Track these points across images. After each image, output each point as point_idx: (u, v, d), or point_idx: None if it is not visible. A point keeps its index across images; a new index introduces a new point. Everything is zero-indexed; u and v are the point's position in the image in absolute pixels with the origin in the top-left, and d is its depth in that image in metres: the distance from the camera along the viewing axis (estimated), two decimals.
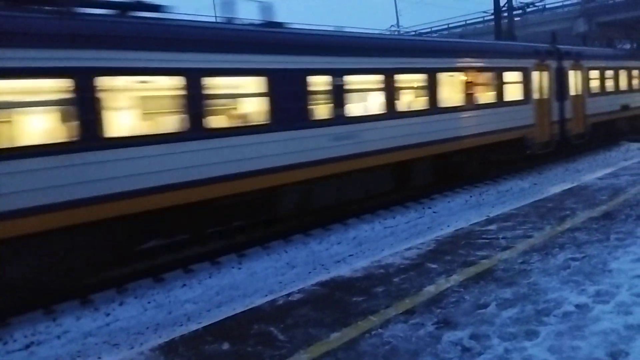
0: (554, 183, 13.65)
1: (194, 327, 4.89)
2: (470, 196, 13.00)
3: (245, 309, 5.12)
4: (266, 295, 6.76)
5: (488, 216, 8.46)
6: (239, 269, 8.34)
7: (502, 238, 6.85)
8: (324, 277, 5.98)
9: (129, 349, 5.90)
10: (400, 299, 5.02)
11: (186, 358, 4.09)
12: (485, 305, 4.69)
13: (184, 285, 7.75)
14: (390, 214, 11.44)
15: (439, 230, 9.31)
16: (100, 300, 7.29)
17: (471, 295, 4.97)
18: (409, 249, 6.72)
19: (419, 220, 10.96)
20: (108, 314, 6.88)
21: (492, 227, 7.48)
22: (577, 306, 4.54)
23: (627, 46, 31.28)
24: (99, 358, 5.77)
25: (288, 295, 5.30)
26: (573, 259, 5.77)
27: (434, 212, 11.59)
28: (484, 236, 7.01)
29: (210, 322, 4.85)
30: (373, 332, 4.33)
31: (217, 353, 4.14)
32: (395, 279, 5.58)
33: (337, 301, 5.07)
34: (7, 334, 6.31)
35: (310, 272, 8.01)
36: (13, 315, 6.69)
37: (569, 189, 10.07)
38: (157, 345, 4.41)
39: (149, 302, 7.22)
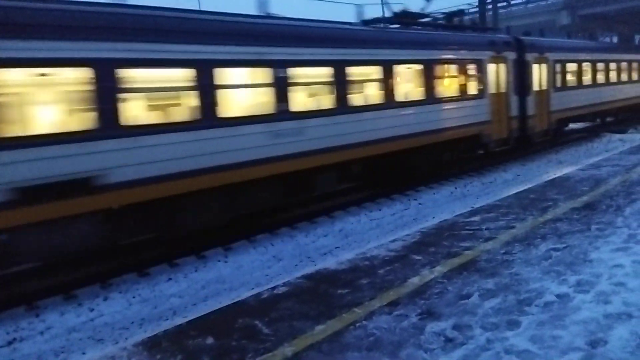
0: (537, 174, 13.83)
1: (179, 321, 4.86)
2: (455, 188, 13.11)
3: (231, 302, 5.10)
4: (252, 289, 6.75)
5: (472, 207, 8.54)
6: (225, 262, 8.31)
7: (486, 229, 6.92)
8: (309, 269, 5.98)
9: (114, 344, 5.86)
10: (385, 290, 5.05)
11: (169, 353, 4.07)
12: (468, 296, 4.75)
13: (170, 279, 7.70)
14: (376, 206, 11.49)
15: (424, 221, 9.39)
16: (84, 295, 7.21)
17: (454, 286, 5.02)
18: (394, 240, 6.75)
19: (404, 212, 11.03)
20: (92, 309, 6.82)
21: (476, 218, 7.56)
22: (558, 296, 4.61)
23: (609, 39, 31.62)
24: (84, 353, 5.73)
25: (273, 288, 5.30)
26: (554, 249, 5.86)
27: (420, 204, 11.67)
28: (467, 227, 7.08)
29: (195, 317, 4.83)
30: (357, 324, 4.35)
31: (201, 348, 4.12)
32: (380, 271, 5.61)
33: (322, 294, 5.08)
34: None
35: (296, 265, 8.02)
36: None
37: (552, 180, 10.20)
38: (141, 340, 4.38)
39: (133, 297, 7.17)
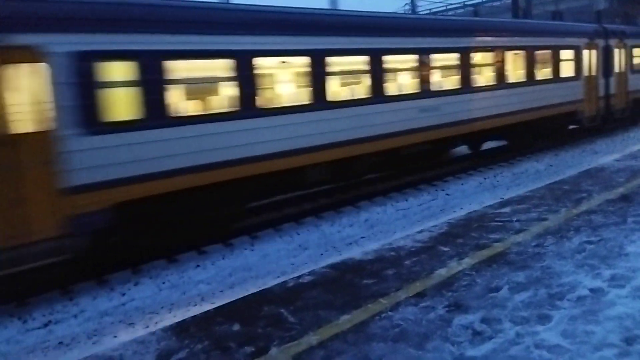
0: (571, 165, 13.40)
1: (207, 307, 4.93)
2: (485, 178, 12.84)
3: (257, 290, 5.14)
4: (278, 277, 6.81)
5: (502, 198, 8.34)
6: (252, 250, 8.39)
7: (516, 221, 6.76)
8: (335, 259, 5.97)
9: (144, 328, 6.01)
10: (411, 281, 5.00)
11: (197, 339, 4.13)
12: (498, 289, 4.65)
13: (198, 266, 7.83)
14: (403, 197, 11.37)
15: (451, 212, 9.24)
16: (115, 280, 7.41)
17: (483, 278, 4.93)
18: (421, 231, 6.67)
19: (431, 203, 10.88)
20: (123, 294, 7.00)
21: (506, 209, 7.38)
22: (591, 290, 4.47)
23: None
24: (115, 337, 5.89)
25: (299, 277, 5.31)
26: (588, 242, 5.67)
27: (447, 195, 11.49)
28: (497, 219, 6.92)
29: (222, 303, 4.89)
30: (383, 315, 4.32)
31: (228, 334, 4.18)
32: (407, 262, 5.55)
33: (347, 283, 5.06)
34: (26, 313, 6.47)
35: (322, 254, 8.03)
36: (31, 296, 6.84)
37: (586, 170, 9.86)
38: (170, 325, 4.46)
39: (163, 283, 7.32)
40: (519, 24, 15.68)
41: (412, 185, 12.04)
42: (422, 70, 11.21)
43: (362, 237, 8.84)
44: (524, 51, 14.04)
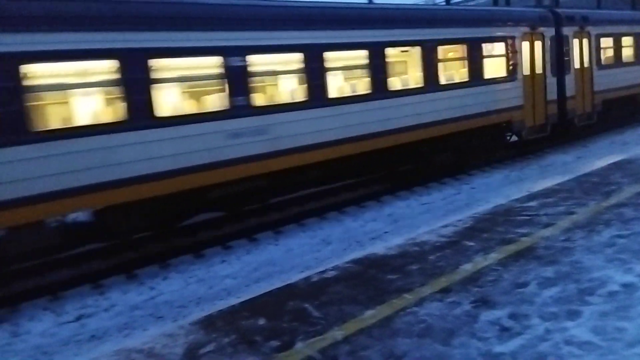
0: (600, 156, 13.04)
1: (233, 301, 5.01)
2: (511, 171, 12.62)
3: (282, 285, 5.19)
4: (302, 272, 6.85)
5: (529, 192, 8.19)
6: (276, 245, 8.47)
7: (544, 215, 6.62)
8: (358, 254, 5.98)
9: (173, 321, 6.15)
10: (436, 277, 4.96)
11: (224, 332, 4.20)
12: (525, 284, 4.58)
13: (223, 261, 7.95)
14: (426, 191, 11.28)
15: (476, 206, 9.12)
16: (144, 275, 7.58)
17: (510, 273, 4.85)
18: (445, 226, 6.60)
19: (455, 197, 10.76)
20: (152, 288, 7.17)
21: (533, 203, 7.24)
22: (623, 285, 4.35)
23: None
24: (145, 330, 6.04)
25: (322, 272, 5.34)
26: (619, 236, 5.52)
27: (472, 188, 11.34)
28: (524, 213, 6.80)
29: (248, 298, 4.96)
30: (408, 310, 4.30)
31: (253, 328, 4.23)
32: (431, 257, 5.51)
33: (371, 278, 5.06)
34: (59, 307, 6.69)
35: (345, 249, 8.05)
36: (64, 290, 7.06)
37: (615, 162, 9.58)
38: (197, 319, 4.55)
39: (190, 277, 7.47)
40: (408, 11, 11.01)
41: (436, 179, 11.91)
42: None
43: (385, 232, 8.81)
44: (419, 47, 10.60)
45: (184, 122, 7.60)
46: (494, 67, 12.43)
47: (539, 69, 13.47)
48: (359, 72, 10.06)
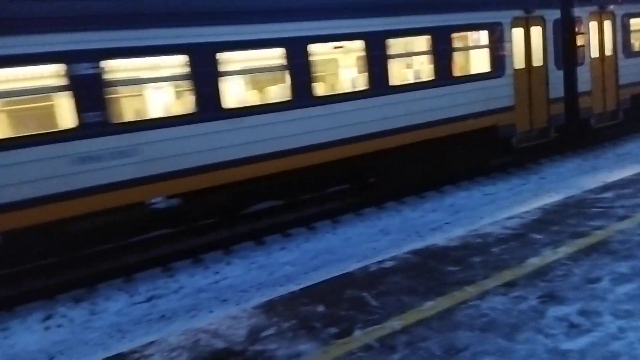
0: None
1: (292, 288, 5.13)
2: (584, 160, 11.87)
3: (340, 273, 5.24)
4: (360, 261, 6.86)
5: (604, 182, 7.68)
6: (334, 234, 8.53)
7: (620, 207, 6.18)
8: (418, 244, 5.89)
9: (236, 305, 6.40)
10: (500, 270, 4.79)
11: (284, 317, 4.31)
12: (597, 280, 4.31)
13: (283, 248, 8.13)
14: (491, 181, 10.87)
15: (545, 197, 8.68)
16: (209, 259, 7.91)
17: (581, 268, 4.59)
18: (511, 217, 6.34)
19: (523, 187, 10.29)
20: (217, 273, 7.48)
21: (608, 194, 6.77)
22: None
23: None
24: (210, 312, 6.33)
25: (381, 262, 5.32)
26: None
27: (541, 178, 10.80)
28: (598, 205, 6.38)
29: (307, 285, 5.05)
30: (469, 303, 4.20)
31: (312, 314, 4.31)
32: (495, 249, 5.32)
33: (430, 270, 4.98)
34: (132, 288, 7.15)
35: (404, 240, 7.96)
36: (137, 272, 7.54)
37: None
38: (258, 303, 4.70)
39: (252, 263, 7.71)
40: None
41: (501, 168, 11.43)
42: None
43: (446, 223, 8.61)
44: (360, 42, 8.74)
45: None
46: (472, 61, 10.69)
47: (537, 61, 11.16)
48: (273, 75, 8.61)
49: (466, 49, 10.57)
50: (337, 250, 7.88)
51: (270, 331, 4.10)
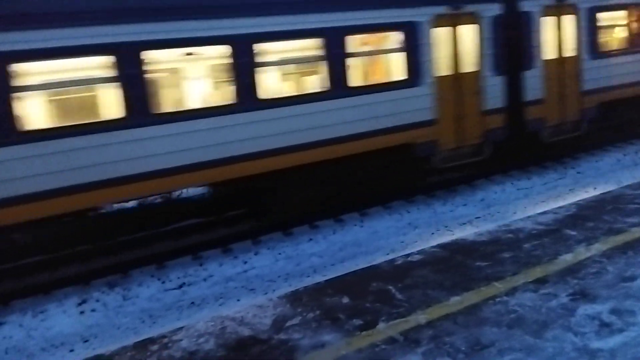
0: None
1: (318, 279, 5.16)
2: (624, 154, 11.40)
3: (366, 265, 5.23)
4: (387, 254, 6.85)
5: None
6: (361, 227, 8.51)
7: None
8: (446, 238, 5.82)
9: (263, 294, 6.50)
10: (531, 266, 4.68)
11: (309, 307, 4.35)
12: (633, 278, 4.15)
13: (310, 239, 8.17)
14: (525, 175, 10.58)
15: (582, 192, 8.43)
16: (238, 249, 8.04)
17: (615, 266, 4.43)
18: (544, 213, 6.17)
19: (558, 182, 9.99)
20: (245, 262, 7.59)
21: None
22: None
23: None
24: (238, 300, 6.45)
25: (407, 255, 5.27)
26: None
27: (578, 173, 10.45)
28: (636, 201, 6.13)
29: (333, 276, 5.07)
30: (497, 299, 4.12)
31: (337, 306, 4.33)
32: (526, 245, 5.19)
33: (458, 264, 4.90)
34: (164, 275, 7.35)
35: (432, 233, 7.87)
36: (168, 259, 7.74)
37: None
38: (284, 293, 4.75)
39: (279, 254, 7.79)
40: None
41: (536, 162, 11.10)
42: None
43: (476, 217, 8.46)
44: (225, 48, 7.30)
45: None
46: (377, 69, 9.26)
47: (469, 66, 9.41)
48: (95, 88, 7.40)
49: (369, 53, 9.00)
50: (364, 242, 7.87)
51: (295, 321, 4.15)
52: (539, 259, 4.81)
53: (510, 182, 10.20)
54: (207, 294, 6.77)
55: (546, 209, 6.40)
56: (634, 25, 11.47)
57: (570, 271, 4.47)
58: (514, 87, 9.93)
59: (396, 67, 8.88)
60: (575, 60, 10.62)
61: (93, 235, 7.79)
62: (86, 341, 5.82)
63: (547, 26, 10.26)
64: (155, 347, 3.97)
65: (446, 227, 8.15)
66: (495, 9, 9.53)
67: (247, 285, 6.90)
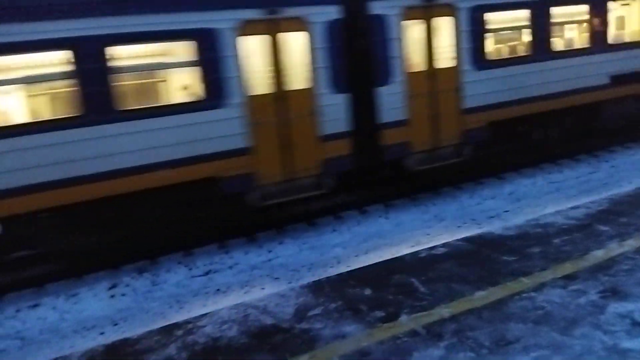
0: None
1: (342, 269, 5.17)
2: None
3: (390, 257, 5.20)
4: (412, 246, 6.79)
5: None
6: (386, 218, 8.45)
7: None
8: (472, 232, 5.74)
9: (287, 283, 6.55)
10: (560, 262, 4.56)
11: (331, 298, 4.36)
12: None
13: (334, 230, 8.17)
14: (557, 168, 10.29)
15: (616, 187, 8.15)
16: (263, 238, 8.11)
17: None
18: (576, 207, 5.99)
19: (591, 176, 9.67)
20: (270, 251, 7.66)
21: None
22: None
23: None
24: (263, 288, 6.52)
25: (432, 248, 5.22)
26: None
27: (612, 167, 10.09)
28: None
29: (356, 267, 5.06)
30: (524, 295, 4.03)
31: (359, 297, 4.32)
32: (555, 240, 5.06)
33: (484, 258, 4.82)
34: (191, 262, 7.48)
35: (459, 227, 7.76)
36: (195, 247, 7.88)
37: None
38: (307, 283, 4.78)
39: (304, 244, 7.82)
40: None
41: (568, 155, 10.76)
42: None
43: (505, 211, 8.28)
44: None
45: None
46: (162, 87, 7.77)
47: (296, 83, 7.78)
48: None
49: (146, 68, 7.37)
50: (388, 234, 7.82)
51: (317, 311, 4.16)
52: (568, 255, 4.68)
53: (541, 175, 9.93)
54: (232, 282, 6.87)
55: (578, 203, 6.22)
56: (539, 27, 9.37)
57: (601, 268, 4.33)
58: (364, 107, 8.21)
59: (188, 86, 7.50)
60: (453, 72, 8.71)
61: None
62: (116, 324, 6.00)
63: (412, 32, 8.47)
64: (180, 332, 4.06)
65: (473, 220, 8.02)
66: (331, 13, 7.74)
67: (272, 274, 6.96)
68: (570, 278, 4.22)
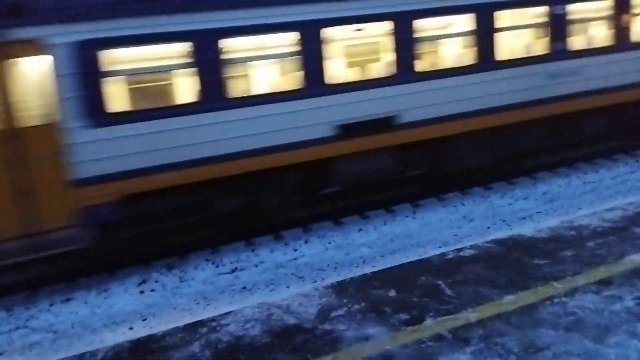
0: None
1: (367, 269, 5.11)
2: None
3: (416, 259, 5.11)
4: (440, 247, 6.67)
5: None
6: (414, 218, 8.33)
7: None
8: (503, 234, 5.57)
9: (312, 282, 6.53)
10: (594, 266, 4.38)
11: (354, 299, 4.31)
12: None
13: (360, 230, 8.10)
14: (593, 167, 9.92)
15: None
16: (289, 236, 8.12)
17: None
18: (612, 209, 5.75)
19: (629, 176, 9.27)
20: (296, 250, 7.66)
21: None
22: None
23: None
24: (288, 287, 6.53)
25: (460, 249, 5.10)
26: None
27: None
28: None
29: (381, 268, 5.00)
30: (555, 300, 3.89)
31: (383, 298, 4.26)
32: (590, 243, 4.86)
33: (514, 262, 4.68)
34: (218, 259, 7.57)
35: (488, 228, 7.57)
36: (222, 244, 7.96)
37: None
38: (331, 283, 4.75)
39: (329, 243, 7.79)
40: None
41: (605, 154, 10.36)
42: None
43: (537, 212, 8.03)
44: None
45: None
46: None
47: None
48: None
49: None
50: (415, 234, 7.71)
51: (340, 312, 4.13)
52: (603, 259, 4.50)
53: (576, 175, 9.59)
54: (257, 280, 6.91)
55: (614, 205, 5.97)
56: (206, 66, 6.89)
57: (638, 273, 4.14)
58: None
59: None
60: (48, 130, 6.47)
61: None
62: (144, 319, 6.12)
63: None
64: (204, 330, 4.10)
65: (503, 221, 7.81)
66: None
67: (297, 273, 6.96)
68: (604, 283, 4.05)
